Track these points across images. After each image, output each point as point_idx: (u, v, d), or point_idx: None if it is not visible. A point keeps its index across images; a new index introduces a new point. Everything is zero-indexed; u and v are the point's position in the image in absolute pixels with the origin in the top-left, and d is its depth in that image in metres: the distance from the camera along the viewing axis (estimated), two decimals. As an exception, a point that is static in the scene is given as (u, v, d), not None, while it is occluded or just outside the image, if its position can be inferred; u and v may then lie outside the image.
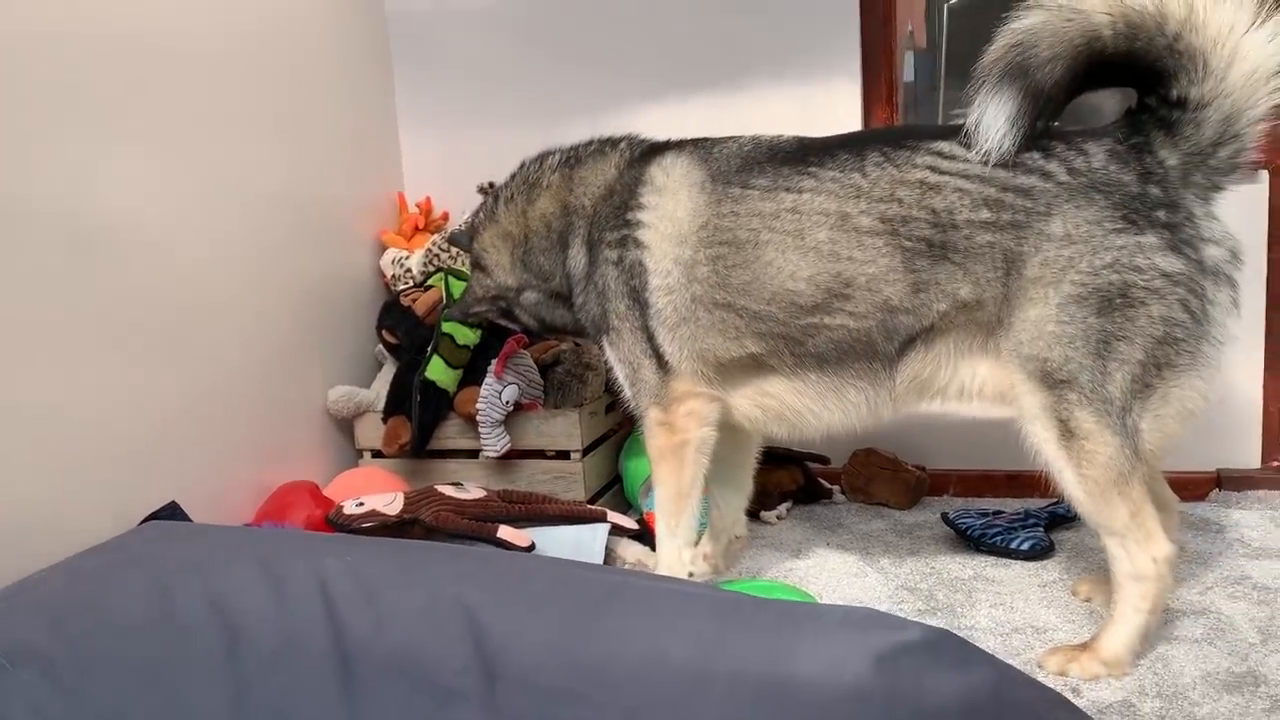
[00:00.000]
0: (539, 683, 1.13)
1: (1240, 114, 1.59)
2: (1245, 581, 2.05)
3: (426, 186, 3.02)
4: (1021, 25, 1.63)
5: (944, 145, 1.75)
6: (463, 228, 2.30)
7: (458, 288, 2.55)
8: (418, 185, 3.03)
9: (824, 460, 2.74)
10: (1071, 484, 1.71)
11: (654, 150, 2.04)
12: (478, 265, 2.21)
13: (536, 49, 2.92)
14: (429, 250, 2.75)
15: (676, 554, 2.01)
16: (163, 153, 2.09)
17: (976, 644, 1.80)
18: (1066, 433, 1.69)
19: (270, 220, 2.43)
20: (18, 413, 1.75)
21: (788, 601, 1.35)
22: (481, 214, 2.24)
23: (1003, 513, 2.41)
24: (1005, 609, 2.00)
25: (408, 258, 2.79)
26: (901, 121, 2.74)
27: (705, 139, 2.01)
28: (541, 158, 2.19)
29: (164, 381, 2.07)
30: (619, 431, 2.73)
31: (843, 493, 2.76)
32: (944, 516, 2.42)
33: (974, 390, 1.83)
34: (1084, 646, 1.74)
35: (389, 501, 2.20)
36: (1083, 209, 1.65)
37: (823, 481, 2.75)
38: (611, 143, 2.12)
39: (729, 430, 2.06)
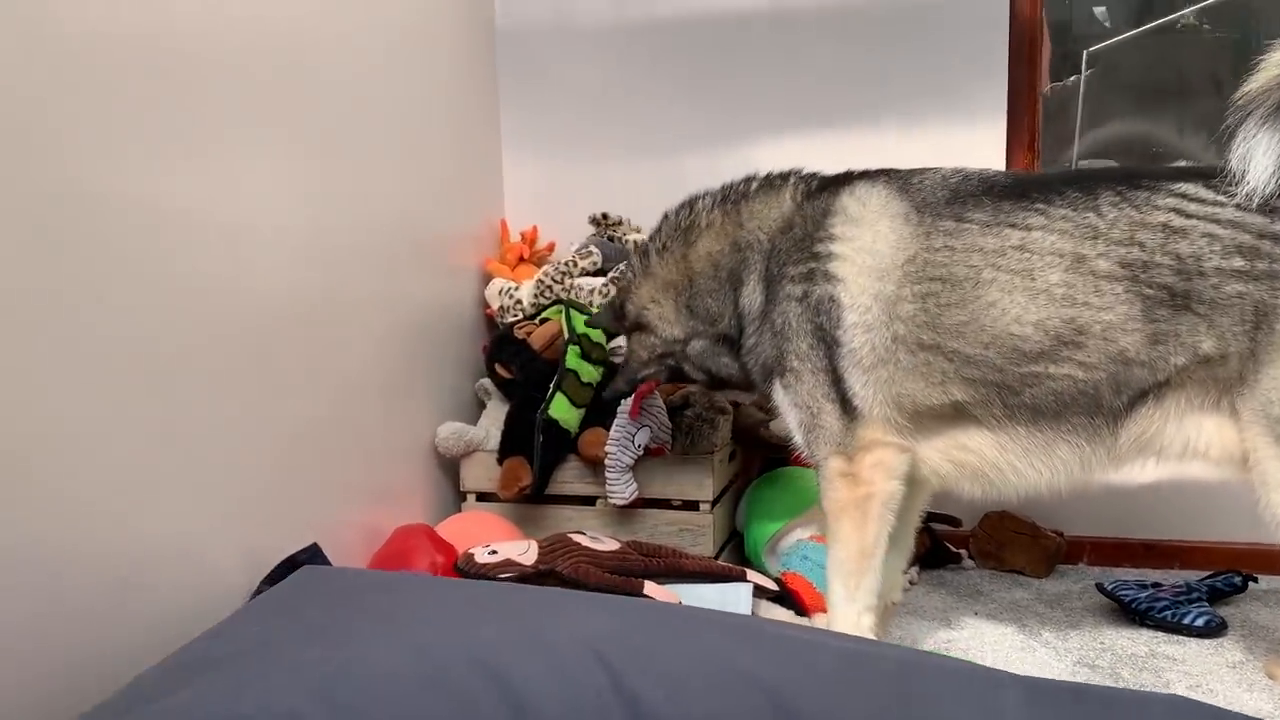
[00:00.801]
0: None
1: None
2: None
3: (528, 215, 2.86)
4: None
5: (1189, 187, 1.63)
6: (599, 309, 2.20)
7: (578, 320, 2.39)
8: (519, 213, 2.87)
9: (956, 523, 2.58)
10: None
11: (836, 181, 1.91)
12: (638, 326, 2.08)
13: (652, 77, 2.80)
14: (540, 281, 2.59)
15: (855, 620, 1.83)
16: (289, 167, 1.92)
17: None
18: None
19: (381, 242, 2.26)
20: (159, 429, 1.56)
21: (1096, 688, 1.19)
22: (628, 275, 2.11)
23: (1162, 585, 2.25)
24: (1204, 692, 1.84)
25: (517, 288, 2.62)
26: (1039, 168, 2.63)
27: (895, 169, 1.88)
28: (690, 202, 2.08)
29: (281, 415, 1.88)
30: (736, 482, 2.56)
31: (971, 558, 2.60)
32: (1099, 587, 2.27)
33: (1199, 450, 1.68)
34: None
35: (523, 551, 2.02)
36: None
37: (949, 545, 2.59)
38: (781, 176, 2.00)
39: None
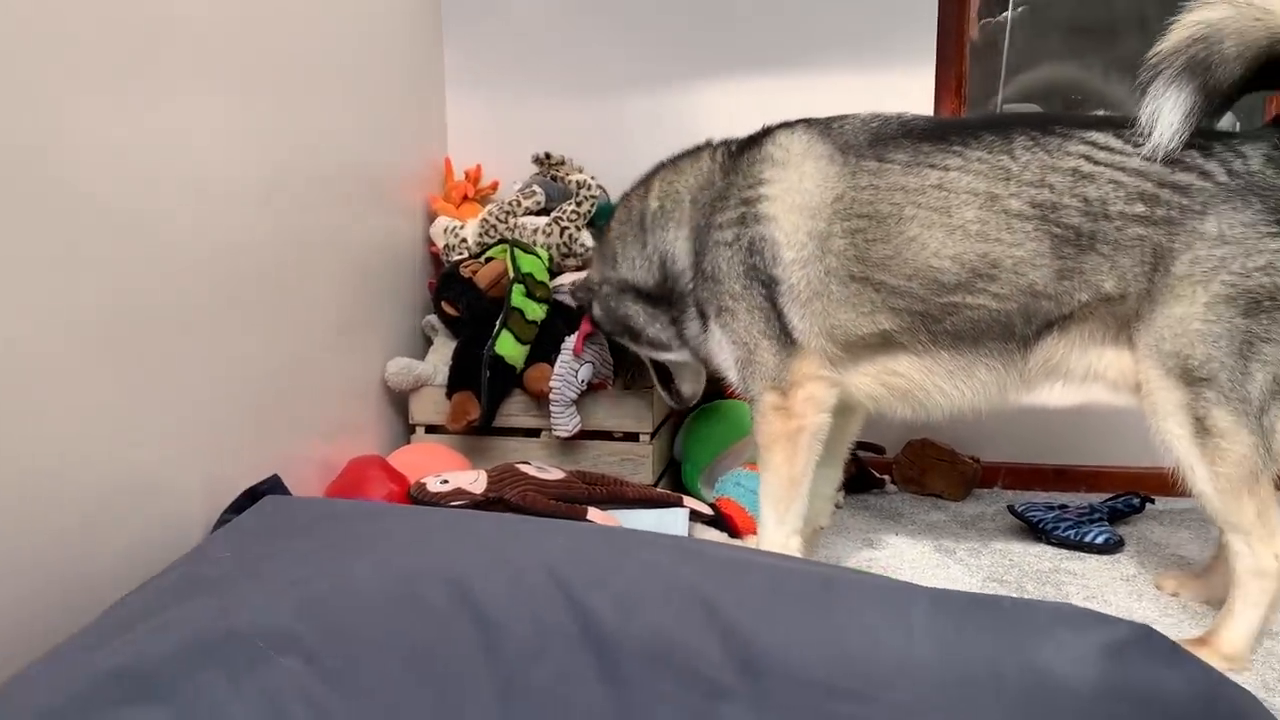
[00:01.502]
0: (806, 677, 1.09)
1: None
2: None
3: (472, 153, 2.91)
4: (1206, 18, 1.62)
5: (1099, 136, 1.74)
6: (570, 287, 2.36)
7: (524, 260, 2.46)
8: (464, 152, 2.92)
9: (880, 450, 2.73)
10: (1202, 480, 1.72)
11: (755, 136, 2.02)
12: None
13: (594, 18, 2.84)
14: (485, 220, 2.65)
15: (783, 542, 1.97)
16: (239, 113, 1.94)
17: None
18: (1202, 430, 1.70)
19: (329, 184, 2.29)
20: (126, 372, 1.62)
21: (991, 596, 1.33)
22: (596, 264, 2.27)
23: (1068, 507, 2.44)
24: (1099, 602, 2.02)
25: (462, 227, 2.68)
26: (965, 112, 2.74)
27: (813, 118, 1.98)
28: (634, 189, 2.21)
29: (239, 351, 1.94)
30: (673, 415, 2.68)
31: (894, 483, 2.76)
32: (1010, 509, 2.44)
33: (1100, 375, 1.83)
34: (1202, 641, 1.77)
35: (473, 480, 2.12)
36: (1239, 211, 1.65)
37: (874, 471, 2.75)
38: (703, 143, 2.13)
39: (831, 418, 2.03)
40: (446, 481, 2.10)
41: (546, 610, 1.10)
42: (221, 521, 1.76)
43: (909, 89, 2.65)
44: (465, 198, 2.80)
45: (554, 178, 2.73)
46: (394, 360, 2.49)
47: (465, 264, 2.55)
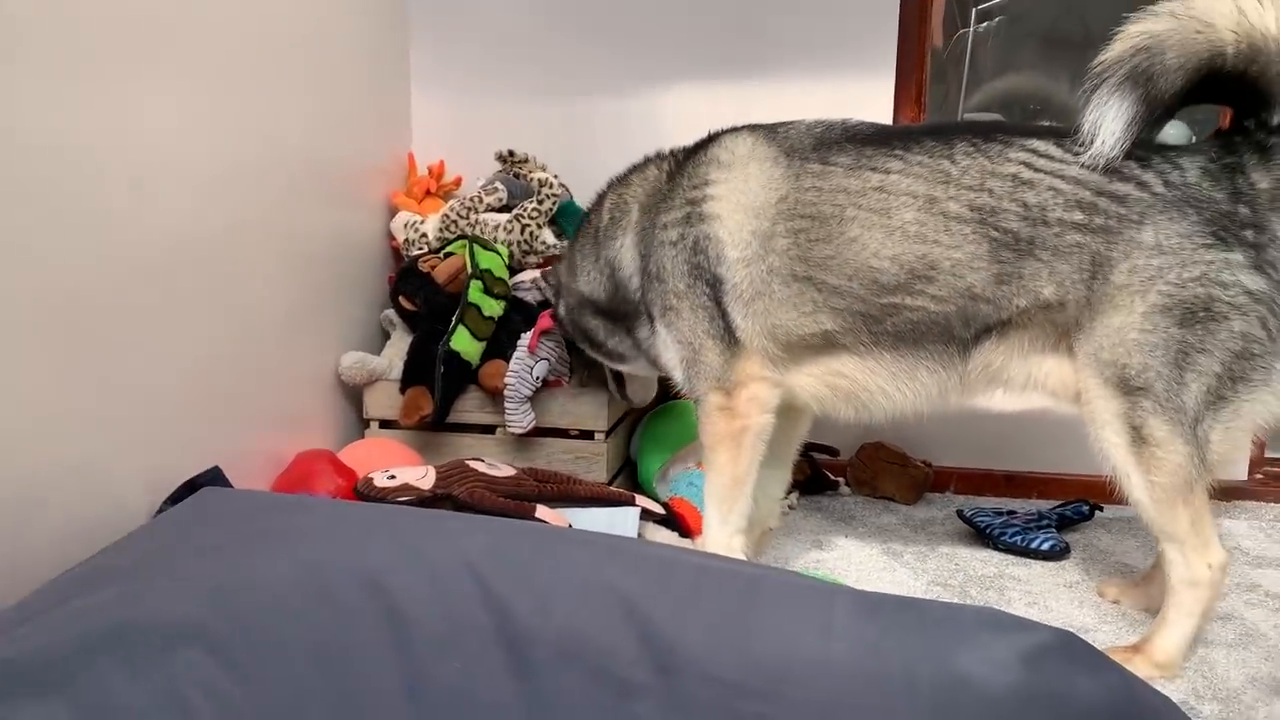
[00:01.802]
0: (717, 677, 1.10)
1: None
2: (1257, 589, 2.14)
3: (436, 148, 2.91)
4: (1149, 29, 1.65)
5: (1040, 144, 1.77)
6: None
7: (483, 257, 2.47)
8: (427, 147, 2.92)
9: (833, 452, 2.75)
10: (1138, 489, 1.75)
11: (700, 143, 2.05)
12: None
13: (560, 18, 2.84)
14: (446, 216, 2.65)
15: (727, 541, 1.99)
16: (189, 99, 1.94)
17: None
18: (1138, 439, 1.72)
19: (286, 174, 2.29)
20: (61, 361, 1.62)
21: (919, 600, 1.35)
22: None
23: (1016, 513, 2.46)
24: (1041, 608, 2.05)
25: (422, 222, 2.68)
26: (925, 121, 2.76)
27: (761, 123, 2.01)
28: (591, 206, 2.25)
29: (185, 341, 1.94)
30: (630, 414, 2.68)
31: (847, 485, 2.78)
32: (960, 514, 2.46)
33: (1040, 383, 1.85)
34: (1136, 649, 1.79)
35: (421, 475, 2.11)
36: (1175, 221, 1.68)
37: (828, 473, 2.77)
38: (651, 156, 2.17)
39: (778, 419, 2.04)
40: (394, 477, 2.10)
41: (462, 606, 1.11)
42: (160, 512, 1.75)
43: (869, 97, 2.67)
44: (428, 193, 2.80)
45: (517, 175, 2.73)
46: (348, 354, 2.49)
47: (424, 259, 2.55)
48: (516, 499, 2.13)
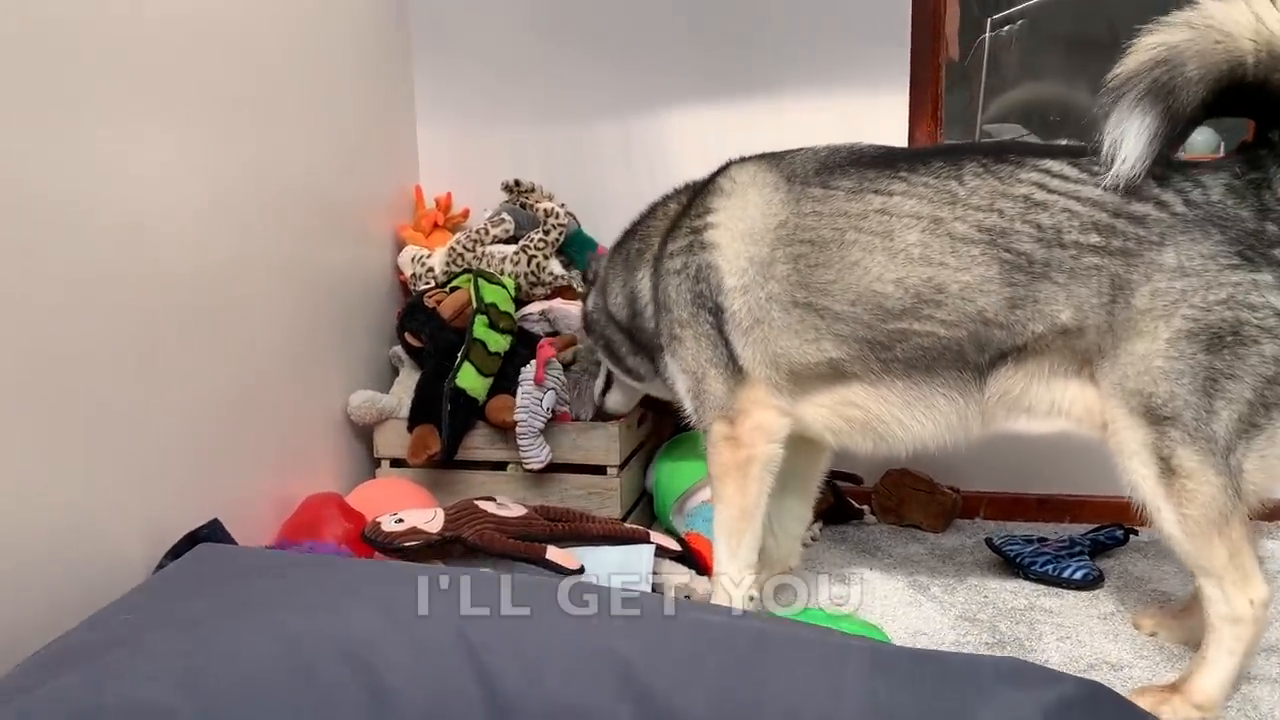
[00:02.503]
0: (719, 746, 1.04)
1: None
2: (1305, 617, 2.04)
3: (443, 181, 2.87)
4: (1166, 40, 1.56)
5: (1054, 164, 1.70)
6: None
7: (488, 291, 2.42)
8: (435, 179, 2.88)
9: (856, 480, 2.67)
10: (1170, 523, 1.66)
11: (715, 172, 2.01)
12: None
13: (564, 44, 2.80)
14: (453, 249, 2.61)
15: (737, 575, 1.93)
16: (184, 144, 1.91)
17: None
18: (1167, 470, 1.64)
19: (289, 213, 2.26)
20: (49, 421, 1.58)
21: (937, 653, 1.28)
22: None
23: (1047, 540, 2.37)
24: (1073, 643, 1.96)
25: (429, 256, 2.65)
26: (943, 136, 2.69)
27: (772, 152, 1.97)
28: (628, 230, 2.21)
29: (188, 386, 1.90)
30: (646, 445, 2.62)
31: (873, 513, 2.70)
32: (989, 542, 2.38)
33: (1064, 411, 1.78)
34: (1174, 688, 1.70)
35: (429, 519, 2.06)
36: (1198, 242, 1.60)
37: (852, 502, 2.69)
38: (681, 187, 2.11)
39: (793, 453, 1.99)
40: (401, 520, 2.04)
41: (448, 677, 1.05)
42: (160, 567, 1.72)
43: (882, 112, 2.60)
44: (435, 226, 2.76)
45: (523, 205, 2.68)
46: (357, 393, 2.45)
47: (430, 294, 2.51)
48: (527, 540, 2.07)
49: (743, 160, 1.97)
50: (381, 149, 2.73)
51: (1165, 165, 1.63)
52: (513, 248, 2.59)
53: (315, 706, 1.00)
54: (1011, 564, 2.29)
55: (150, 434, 1.81)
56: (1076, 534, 2.42)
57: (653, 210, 2.12)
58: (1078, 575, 2.20)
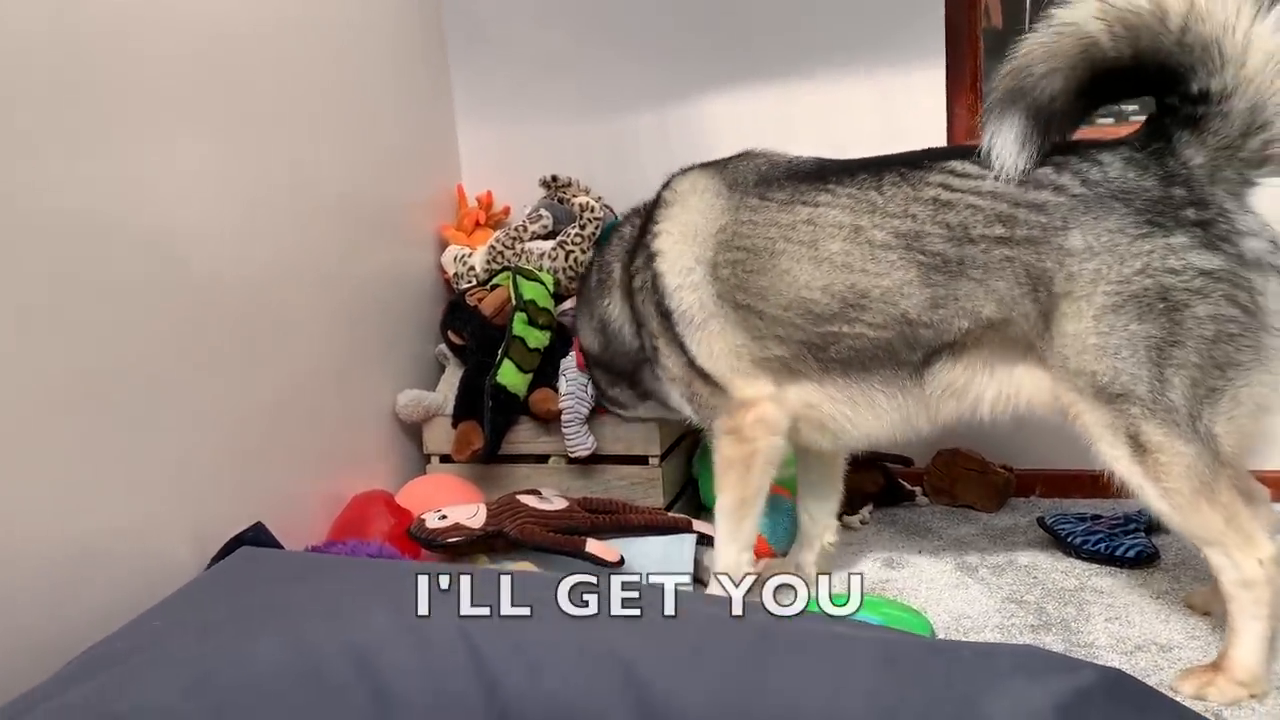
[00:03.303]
0: (715, 742, 1.05)
1: (1266, 100, 1.53)
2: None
3: (485, 180, 2.91)
4: (1018, 50, 1.63)
5: (956, 164, 1.74)
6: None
7: (526, 288, 2.45)
8: (476, 179, 2.93)
9: (907, 462, 2.65)
10: (1155, 499, 1.65)
11: (660, 188, 2.08)
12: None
13: (597, 39, 2.81)
14: (493, 247, 2.65)
15: (735, 558, 1.98)
16: (220, 154, 1.98)
17: (1100, 663, 1.74)
18: (1137, 448, 1.63)
19: (330, 218, 2.32)
20: (93, 433, 1.66)
21: (950, 643, 1.27)
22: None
23: (1101, 517, 2.32)
24: (1122, 623, 1.92)
25: (470, 254, 2.69)
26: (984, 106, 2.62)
27: (712, 160, 2.04)
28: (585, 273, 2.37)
29: (234, 392, 1.98)
30: (689, 435, 2.63)
31: (925, 495, 2.67)
32: (1040, 521, 2.33)
33: (1014, 397, 1.80)
34: (1215, 667, 1.65)
35: (471, 514, 2.11)
36: (1102, 219, 1.61)
37: (904, 483, 2.66)
38: (629, 213, 2.22)
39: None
40: (445, 517, 2.10)
41: (451, 678, 1.08)
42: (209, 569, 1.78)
43: (920, 87, 2.56)
44: (478, 224, 2.81)
45: (560, 200, 2.71)
46: (404, 393, 2.51)
47: (472, 292, 2.55)
48: (568, 533, 2.11)
49: (684, 170, 2.05)
50: (422, 151, 2.78)
51: (1065, 150, 1.67)
52: (551, 243, 2.62)
53: (321, 710, 1.04)
54: (1063, 544, 2.25)
55: (198, 439, 1.88)
56: (1132, 510, 2.35)
57: (604, 245, 2.23)
58: (1130, 553, 2.15)
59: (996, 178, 1.68)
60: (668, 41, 2.75)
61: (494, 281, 2.56)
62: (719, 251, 1.89)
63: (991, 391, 1.80)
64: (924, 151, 1.83)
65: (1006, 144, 1.65)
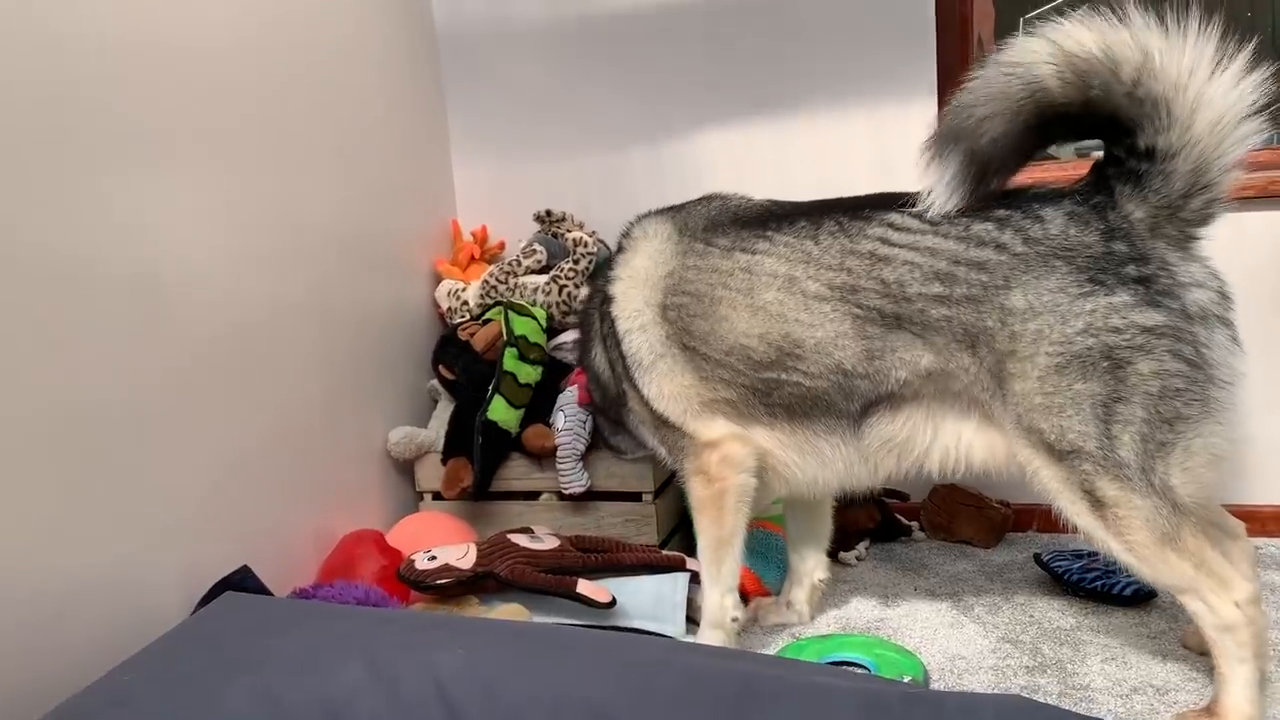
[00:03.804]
0: (689, 804, 1.03)
1: (1210, 163, 1.51)
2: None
3: (480, 214, 2.92)
4: (963, 90, 1.61)
5: (896, 217, 1.73)
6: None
7: (518, 323, 2.45)
8: (471, 213, 2.93)
9: (903, 497, 2.63)
10: (1120, 552, 1.64)
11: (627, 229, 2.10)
12: None
13: (592, 75, 2.82)
14: (486, 282, 2.65)
15: (719, 600, 1.96)
16: (212, 190, 1.99)
17: (1096, 706, 1.72)
18: (1096, 503, 1.63)
19: (325, 254, 2.33)
20: (79, 472, 1.65)
21: (933, 693, 1.25)
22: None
23: (1098, 554, 2.28)
24: (1119, 664, 1.89)
25: (464, 289, 2.69)
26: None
27: (671, 205, 2.05)
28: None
29: (223, 430, 1.98)
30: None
31: (922, 530, 2.65)
32: (1037, 558, 2.31)
33: (961, 455, 1.78)
34: (1209, 711, 1.63)
35: (461, 554, 2.10)
36: (1043, 279, 1.60)
37: (901, 518, 2.64)
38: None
39: None
40: (434, 558, 2.08)
41: (423, 733, 1.07)
42: (195, 612, 1.77)
43: (912, 120, 2.55)
44: (473, 259, 2.81)
45: (555, 235, 2.71)
46: (396, 430, 2.50)
47: (463, 327, 2.55)
48: (560, 572, 2.09)
49: (641, 217, 2.07)
50: (417, 185, 2.79)
51: (1010, 205, 1.65)
52: (544, 278, 2.62)
53: (288, 769, 1.03)
54: (1060, 581, 2.22)
55: (186, 479, 1.88)
56: (1131, 547, 2.33)
57: (586, 301, 2.27)
58: (1128, 591, 2.12)
59: (939, 233, 1.67)
60: (662, 77, 2.76)
61: (486, 316, 2.55)
62: (666, 295, 1.90)
63: (938, 448, 1.78)
64: (867, 198, 1.82)
65: (937, 185, 1.64)
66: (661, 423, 1.96)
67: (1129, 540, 1.60)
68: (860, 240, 1.73)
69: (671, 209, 2.03)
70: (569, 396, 2.39)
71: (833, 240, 1.76)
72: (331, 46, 2.40)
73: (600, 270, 2.25)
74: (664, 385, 1.92)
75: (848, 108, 2.61)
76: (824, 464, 1.87)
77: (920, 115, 2.56)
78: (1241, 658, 1.59)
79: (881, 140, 2.58)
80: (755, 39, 2.68)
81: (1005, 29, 2.95)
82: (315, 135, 2.31)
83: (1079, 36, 1.51)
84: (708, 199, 2.01)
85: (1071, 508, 1.66)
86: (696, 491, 1.95)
